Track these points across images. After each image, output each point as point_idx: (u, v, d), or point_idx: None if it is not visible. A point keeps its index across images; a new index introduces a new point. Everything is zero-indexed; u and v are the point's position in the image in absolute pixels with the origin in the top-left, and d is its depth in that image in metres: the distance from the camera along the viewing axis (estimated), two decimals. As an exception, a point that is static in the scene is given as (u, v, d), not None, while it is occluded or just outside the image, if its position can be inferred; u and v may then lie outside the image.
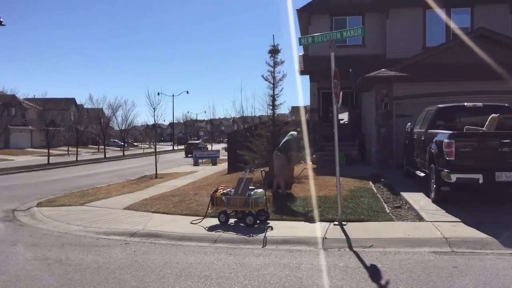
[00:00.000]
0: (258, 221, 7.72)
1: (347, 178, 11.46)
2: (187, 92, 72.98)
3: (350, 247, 6.35)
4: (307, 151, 12.26)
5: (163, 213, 9.21)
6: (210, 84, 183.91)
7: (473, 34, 15.03)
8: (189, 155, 38.12)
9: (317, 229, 7.27)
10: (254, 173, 13.15)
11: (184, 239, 7.13)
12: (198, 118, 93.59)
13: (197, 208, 9.33)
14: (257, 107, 44.00)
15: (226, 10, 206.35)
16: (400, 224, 7.49)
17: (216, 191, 8.33)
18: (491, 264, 5.48)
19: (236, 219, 8.04)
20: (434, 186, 8.85)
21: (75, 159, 34.94)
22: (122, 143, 51.63)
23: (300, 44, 8.86)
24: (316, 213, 8.24)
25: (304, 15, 20.40)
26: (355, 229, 7.15)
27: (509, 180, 7.94)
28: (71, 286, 5.00)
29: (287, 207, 8.82)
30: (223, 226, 7.80)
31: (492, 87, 13.63)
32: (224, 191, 8.25)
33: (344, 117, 21.59)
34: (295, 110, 73.03)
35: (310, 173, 13.18)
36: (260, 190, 8.00)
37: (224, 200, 8.02)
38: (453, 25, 18.32)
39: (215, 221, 8.04)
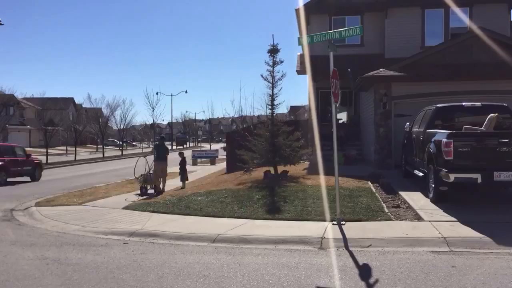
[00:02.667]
0: None
1: (345, 178, 11.46)
2: (186, 91, 72.67)
3: (349, 247, 6.35)
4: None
5: (161, 212, 9.20)
6: (209, 83, 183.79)
7: (471, 34, 15.05)
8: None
9: (316, 228, 7.27)
10: (251, 173, 13.17)
11: (183, 239, 7.13)
12: (196, 118, 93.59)
13: (195, 207, 9.34)
14: (256, 107, 44.00)
15: (226, 9, 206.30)
16: (398, 224, 7.50)
17: None
18: (489, 263, 5.49)
19: None
20: (433, 185, 8.86)
21: (73, 159, 34.90)
22: (121, 143, 51.58)
23: (299, 44, 8.87)
24: (314, 213, 8.25)
25: (303, 15, 20.38)
26: (354, 229, 7.16)
27: (507, 179, 7.95)
28: (69, 286, 4.99)
29: (286, 206, 8.82)
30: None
31: (490, 87, 13.65)
32: None
33: (343, 116, 21.61)
34: (293, 110, 73.07)
35: (309, 173, 13.20)
36: None
37: None
38: (451, 25, 18.35)
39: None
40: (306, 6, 20.10)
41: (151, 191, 12.77)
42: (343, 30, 8.29)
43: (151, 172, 13.27)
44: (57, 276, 5.37)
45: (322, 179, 11.43)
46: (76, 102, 68.49)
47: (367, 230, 7.11)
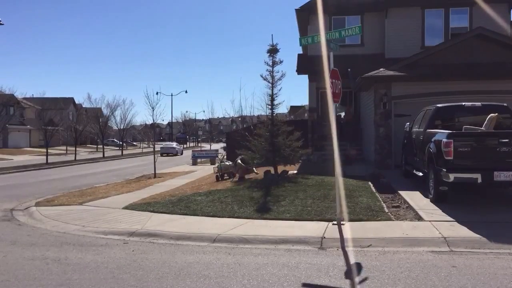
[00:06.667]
0: None
1: (345, 178, 11.45)
2: (186, 91, 72.89)
3: (349, 247, 6.35)
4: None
5: (161, 212, 9.20)
6: (209, 83, 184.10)
7: (471, 34, 15.06)
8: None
9: (316, 228, 7.27)
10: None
11: (183, 239, 7.13)
12: (197, 118, 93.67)
13: (195, 207, 9.33)
14: (256, 107, 43.96)
15: (226, 9, 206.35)
16: (398, 224, 7.50)
17: None
18: (489, 263, 5.49)
19: None
20: (433, 185, 8.86)
21: (73, 159, 34.85)
22: (121, 143, 51.60)
23: (300, 45, 8.91)
24: (314, 213, 8.25)
25: (303, 15, 20.40)
26: (354, 229, 7.15)
27: (507, 179, 7.95)
28: (69, 286, 4.99)
29: (286, 206, 8.82)
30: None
31: (490, 87, 13.66)
32: None
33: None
34: (293, 109, 73.12)
35: (308, 172, 13.19)
36: None
37: None
38: (451, 25, 18.36)
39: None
40: (306, 6, 20.10)
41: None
42: (342, 30, 8.34)
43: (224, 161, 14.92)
44: (57, 276, 5.36)
45: (322, 178, 11.45)
46: (76, 102, 68.55)
47: (367, 230, 7.11)
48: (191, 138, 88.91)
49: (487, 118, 9.12)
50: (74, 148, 40.02)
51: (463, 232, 6.78)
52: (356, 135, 19.55)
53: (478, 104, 9.89)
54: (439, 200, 8.74)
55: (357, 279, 5.01)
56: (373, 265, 5.50)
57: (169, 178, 16.92)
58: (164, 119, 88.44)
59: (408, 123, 12.16)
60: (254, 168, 13.45)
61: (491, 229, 6.75)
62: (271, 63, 12.62)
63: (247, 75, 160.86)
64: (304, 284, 4.90)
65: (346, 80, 16.06)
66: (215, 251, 6.39)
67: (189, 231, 7.46)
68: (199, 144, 64.61)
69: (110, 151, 50.62)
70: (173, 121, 78.90)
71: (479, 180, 7.98)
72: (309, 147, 16.21)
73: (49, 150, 32.26)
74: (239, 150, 13.42)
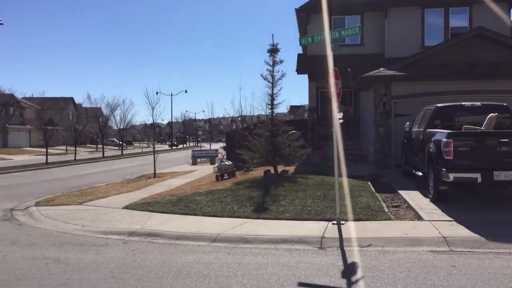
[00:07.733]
0: None
1: (345, 177, 11.45)
2: (186, 91, 73.02)
3: (349, 246, 6.35)
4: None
5: (161, 212, 9.19)
6: (209, 83, 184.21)
7: (471, 34, 15.06)
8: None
9: (316, 228, 7.27)
10: (251, 173, 13.19)
11: (183, 238, 7.12)
12: (196, 118, 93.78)
13: (195, 207, 9.33)
14: (256, 107, 43.98)
15: (226, 9, 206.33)
16: (398, 223, 7.50)
17: None
18: (489, 263, 5.49)
19: None
20: (433, 185, 8.86)
21: (73, 158, 34.85)
22: (121, 142, 51.59)
23: (300, 44, 8.91)
24: (314, 212, 8.25)
25: (303, 15, 20.40)
26: (354, 228, 7.15)
27: (507, 179, 7.95)
28: (69, 286, 4.99)
29: (286, 206, 8.81)
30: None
31: (490, 87, 13.67)
32: None
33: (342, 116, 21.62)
34: (293, 109, 73.16)
35: (308, 172, 13.20)
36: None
37: None
38: (451, 25, 18.38)
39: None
40: (306, 6, 20.10)
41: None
42: (342, 30, 8.35)
43: (224, 161, 15.58)
44: (57, 275, 5.37)
45: (321, 178, 11.44)
46: (76, 101, 68.59)
47: (367, 229, 7.11)
48: (191, 138, 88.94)
49: (487, 118, 9.13)
50: (74, 148, 39.99)
51: (463, 231, 6.78)
52: (356, 134, 19.56)
53: (478, 103, 9.90)
54: (439, 200, 8.74)
55: (356, 279, 5.01)
56: (372, 264, 5.51)
57: (169, 178, 16.92)
58: (164, 119, 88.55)
59: (408, 123, 12.16)
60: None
61: (491, 229, 6.75)
62: (271, 63, 12.61)
63: (247, 75, 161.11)
64: (304, 284, 4.90)
65: (346, 79, 16.07)
66: (214, 251, 6.39)
67: (189, 231, 7.46)
68: (199, 144, 64.65)
69: (110, 151, 50.59)
70: (173, 121, 79.00)
71: (479, 180, 7.98)
72: (309, 146, 16.20)
73: (49, 150, 32.24)
74: (239, 149, 13.42)
